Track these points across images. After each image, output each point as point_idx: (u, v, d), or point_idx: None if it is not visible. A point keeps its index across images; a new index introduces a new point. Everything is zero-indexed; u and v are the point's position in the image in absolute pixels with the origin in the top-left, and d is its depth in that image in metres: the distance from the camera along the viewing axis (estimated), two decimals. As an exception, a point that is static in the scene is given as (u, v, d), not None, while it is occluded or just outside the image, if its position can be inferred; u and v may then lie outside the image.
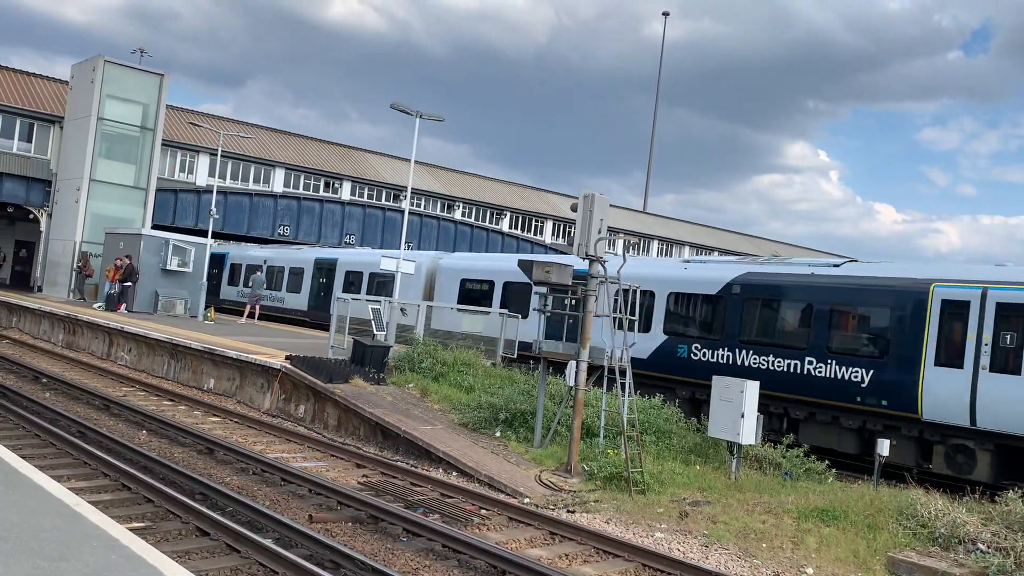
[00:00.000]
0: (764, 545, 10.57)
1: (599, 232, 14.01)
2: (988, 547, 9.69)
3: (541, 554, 9.68)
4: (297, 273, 33.92)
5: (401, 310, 22.39)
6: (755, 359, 17.18)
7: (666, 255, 59.82)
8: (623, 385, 13.82)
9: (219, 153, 38.39)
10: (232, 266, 38.06)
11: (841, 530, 10.77)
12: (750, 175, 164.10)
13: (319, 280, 32.69)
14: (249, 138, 42.24)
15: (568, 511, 11.80)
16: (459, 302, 24.61)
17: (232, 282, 37.69)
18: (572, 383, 14.46)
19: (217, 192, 36.46)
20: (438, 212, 50.59)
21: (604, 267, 14.13)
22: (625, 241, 52.70)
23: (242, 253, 38.22)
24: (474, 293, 24.66)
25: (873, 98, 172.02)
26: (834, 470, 14.34)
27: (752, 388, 13.62)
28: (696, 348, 18.34)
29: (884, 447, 13.49)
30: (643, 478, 12.80)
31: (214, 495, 10.63)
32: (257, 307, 31.45)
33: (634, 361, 15.15)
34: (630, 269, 14.93)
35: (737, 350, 17.55)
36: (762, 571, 9.77)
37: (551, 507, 11.93)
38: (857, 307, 16.23)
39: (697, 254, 60.34)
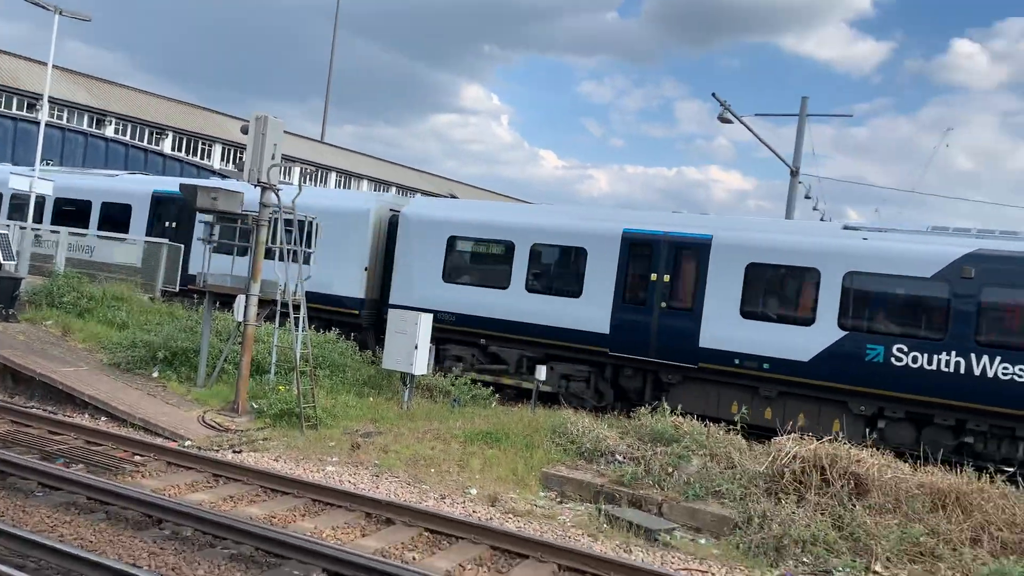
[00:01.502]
0: (433, 470, 10.95)
1: (272, 158, 13.25)
2: (624, 458, 10.93)
3: (203, 498, 9.11)
4: None
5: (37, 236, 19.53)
6: None
7: (344, 187, 59.08)
8: (296, 320, 13.38)
9: None
10: None
11: (503, 451, 11.49)
12: (428, 113, 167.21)
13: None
14: None
15: (234, 451, 11.23)
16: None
17: None
18: (241, 318, 13.70)
19: None
20: (86, 127, 44.87)
21: (278, 195, 13.44)
22: (302, 170, 51.05)
23: None
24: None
25: (543, 48, 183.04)
26: (497, 395, 15.26)
27: (425, 320, 13.94)
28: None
29: (541, 372, 14.65)
30: (316, 413, 12.58)
31: None
32: None
33: (792, 366, 13.65)
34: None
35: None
36: (430, 495, 10.11)
37: (215, 448, 11.28)
38: None
39: (376, 189, 60.40)
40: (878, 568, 8.44)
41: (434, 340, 15.62)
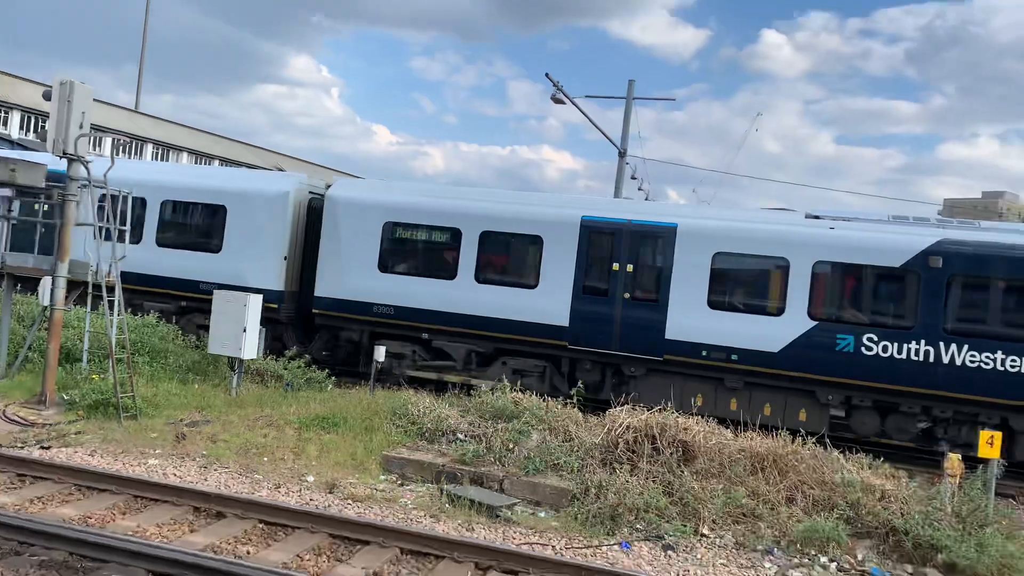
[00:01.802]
0: (266, 459, 10.49)
1: (80, 127, 12.13)
2: (466, 436, 10.93)
3: (5, 501, 8.26)
4: None
5: None
6: None
7: (162, 159, 55.47)
8: (112, 303, 12.39)
9: None
10: None
11: (341, 436, 11.19)
12: (253, 83, 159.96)
13: None
14: None
15: (42, 447, 10.28)
16: None
17: None
18: (47, 302, 12.53)
19: None
20: None
21: (88, 168, 12.33)
22: (114, 141, 47.42)
23: None
24: None
25: (373, 20, 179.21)
26: (334, 378, 14.84)
27: (255, 301, 13.30)
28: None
29: (380, 353, 14.39)
30: (135, 403, 11.73)
31: None
32: None
33: (762, 356, 13.62)
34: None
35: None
36: (263, 485, 9.68)
37: (20, 445, 10.28)
38: None
39: (197, 161, 57.15)
40: (705, 531, 8.91)
41: (369, 336, 15.75)
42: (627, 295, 14.50)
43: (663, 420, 10.33)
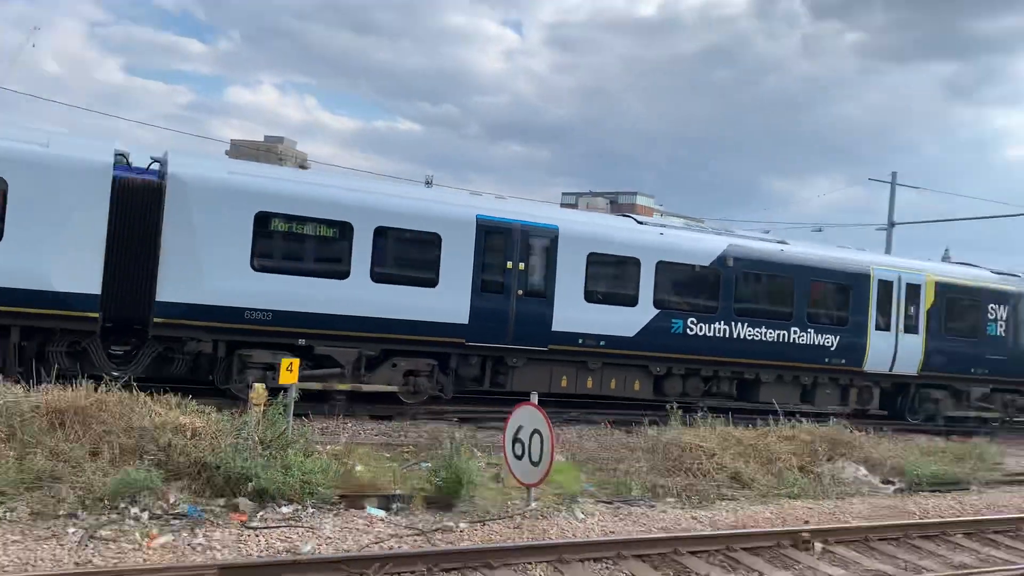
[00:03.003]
0: None
1: None
2: None
3: None
4: None
5: None
6: None
7: None
8: None
9: None
10: None
11: None
12: None
13: None
14: None
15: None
16: None
17: None
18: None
19: None
20: None
21: None
22: None
23: None
24: None
25: None
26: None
27: None
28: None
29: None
30: None
31: None
32: None
33: (621, 341, 16.03)
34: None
35: None
36: None
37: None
38: None
39: None
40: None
41: (227, 346, 13.20)
42: (520, 291, 15.14)
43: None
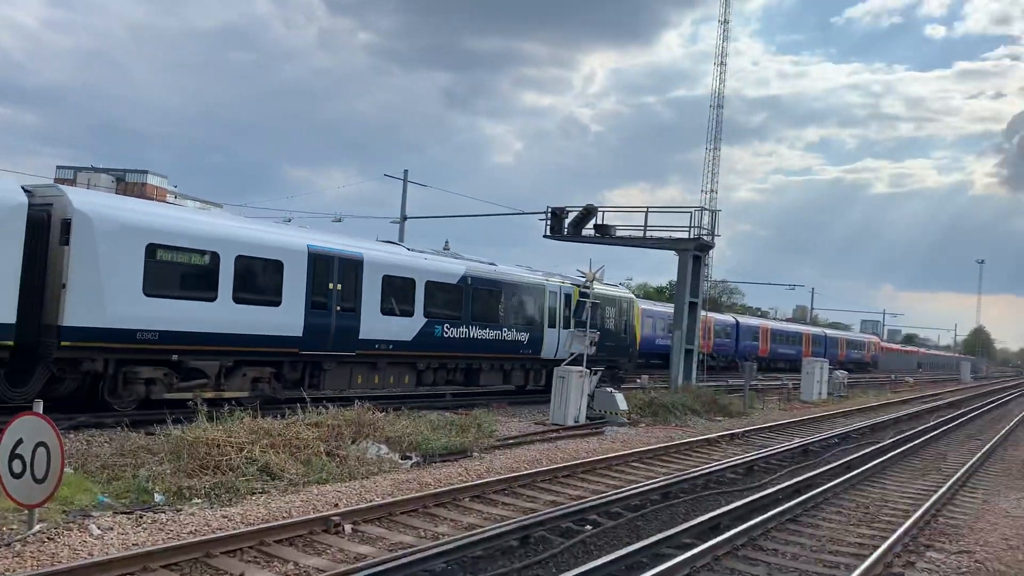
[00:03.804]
0: None
1: None
2: None
3: None
4: None
5: None
6: None
7: None
8: None
9: None
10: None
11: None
12: None
13: None
14: None
15: None
16: None
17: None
18: None
19: None
20: None
21: None
22: None
23: None
24: None
25: None
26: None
27: None
28: None
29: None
30: None
31: None
32: None
33: (405, 344, 20.18)
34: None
35: None
36: None
37: None
38: None
39: None
40: None
41: (116, 364, 14.34)
42: (338, 307, 18.12)
43: None
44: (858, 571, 8.41)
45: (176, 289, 15.04)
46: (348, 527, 9.16)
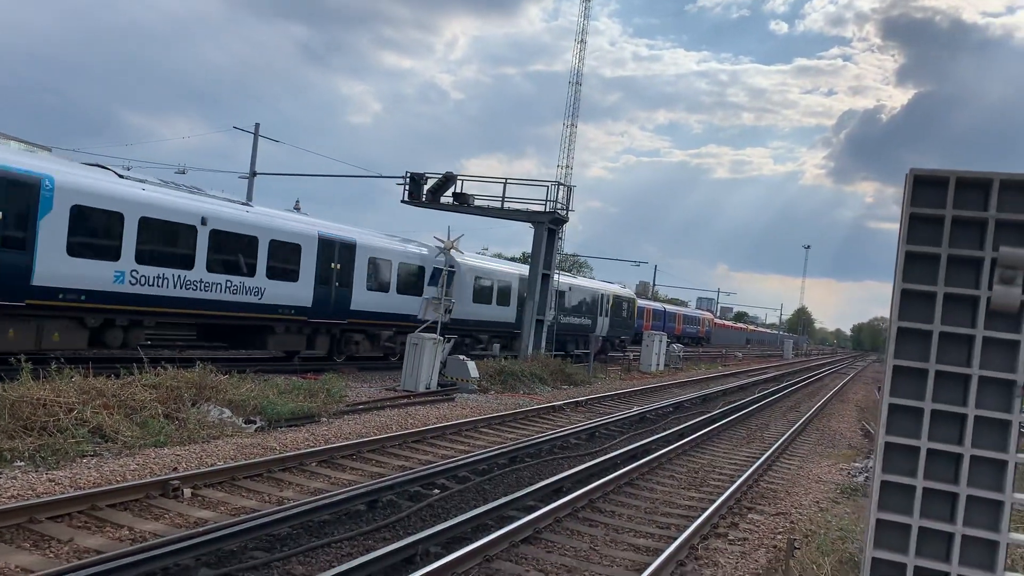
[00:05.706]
0: None
1: None
2: None
3: None
4: None
5: None
6: None
7: None
8: None
9: None
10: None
11: None
12: None
13: None
14: None
15: None
16: None
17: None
18: None
19: None
20: None
21: None
22: None
23: None
24: None
25: None
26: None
27: None
28: None
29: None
30: None
31: None
32: None
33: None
34: None
35: None
36: None
37: None
38: None
39: None
40: None
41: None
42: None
43: None
44: (687, 531, 8.98)
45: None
46: (188, 491, 8.86)
